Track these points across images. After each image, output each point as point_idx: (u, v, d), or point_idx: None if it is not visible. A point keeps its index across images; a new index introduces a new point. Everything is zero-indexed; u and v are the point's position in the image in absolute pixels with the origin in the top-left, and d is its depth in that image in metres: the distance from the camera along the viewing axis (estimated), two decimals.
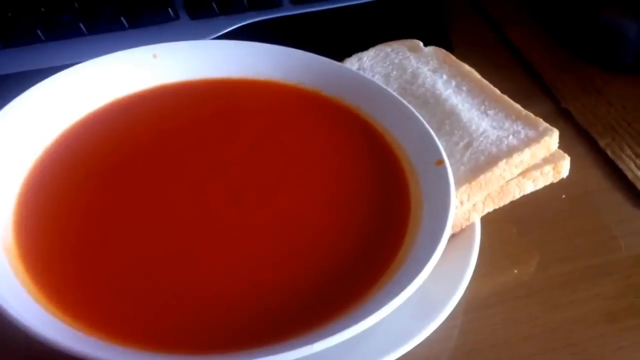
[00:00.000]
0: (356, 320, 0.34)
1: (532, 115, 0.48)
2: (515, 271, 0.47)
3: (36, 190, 0.41)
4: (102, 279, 0.38)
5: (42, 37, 0.56)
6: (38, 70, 0.51)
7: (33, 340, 0.32)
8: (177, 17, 0.59)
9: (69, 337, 0.33)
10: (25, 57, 0.55)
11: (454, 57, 0.54)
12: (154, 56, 0.49)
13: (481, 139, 0.46)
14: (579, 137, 0.57)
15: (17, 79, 0.51)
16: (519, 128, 0.47)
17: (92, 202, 0.42)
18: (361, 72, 0.52)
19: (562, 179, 0.48)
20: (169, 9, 0.59)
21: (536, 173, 0.46)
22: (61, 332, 0.33)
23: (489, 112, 0.49)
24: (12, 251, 0.37)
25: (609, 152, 0.55)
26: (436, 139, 0.44)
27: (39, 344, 0.32)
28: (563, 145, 0.48)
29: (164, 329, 0.36)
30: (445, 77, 0.52)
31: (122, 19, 0.57)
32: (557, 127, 0.47)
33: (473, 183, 0.44)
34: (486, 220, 0.46)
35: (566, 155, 0.47)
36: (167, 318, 0.36)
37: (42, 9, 0.57)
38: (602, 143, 0.56)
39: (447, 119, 0.48)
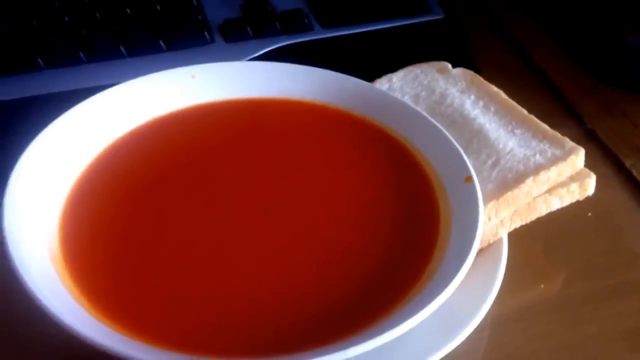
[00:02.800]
0: (384, 330, 0.35)
1: (558, 134, 0.49)
2: (541, 287, 0.48)
3: (80, 203, 0.43)
4: (141, 286, 0.39)
5: (84, 58, 0.58)
6: (80, 89, 0.52)
7: (76, 342, 0.33)
8: (212, 41, 0.61)
9: (109, 337, 0.35)
10: (67, 78, 0.57)
11: (481, 79, 0.55)
12: (193, 76, 0.51)
13: (508, 157, 0.47)
14: (605, 157, 0.58)
15: (59, 98, 0.53)
16: (546, 147, 0.48)
17: (132, 214, 0.43)
18: (391, 93, 0.53)
19: (588, 198, 0.48)
20: (205, 33, 0.61)
21: (562, 190, 0.47)
22: (102, 332, 0.35)
23: (516, 131, 0.50)
24: (58, 259, 0.39)
25: (634, 172, 0.56)
26: (465, 156, 0.45)
27: (80, 345, 0.33)
28: (589, 165, 0.49)
29: (198, 334, 0.37)
30: (473, 97, 0.53)
31: (160, 42, 0.59)
32: (583, 148, 0.48)
33: (501, 199, 0.45)
34: (513, 236, 0.47)
35: (592, 173, 0.48)
36: (201, 324, 0.37)
37: (84, 32, 0.59)
38: (627, 163, 0.57)
39: (474, 137, 0.49)
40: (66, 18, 0.60)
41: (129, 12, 0.62)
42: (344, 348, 0.34)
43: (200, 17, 0.63)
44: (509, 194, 0.45)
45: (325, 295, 0.39)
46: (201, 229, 0.43)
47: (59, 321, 0.34)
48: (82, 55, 0.58)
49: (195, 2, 0.64)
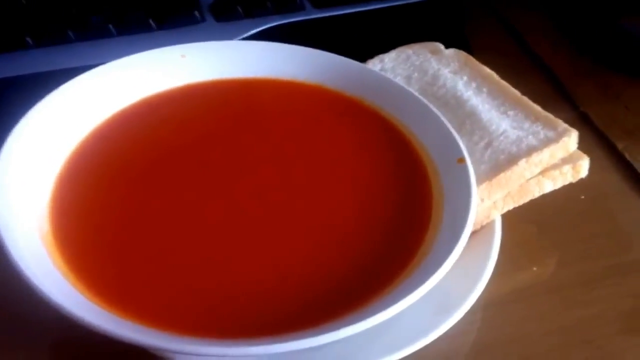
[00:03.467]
0: (378, 311, 0.35)
1: (551, 116, 0.49)
2: (534, 269, 0.48)
3: (69, 184, 0.43)
4: (132, 265, 0.39)
5: (73, 37, 0.57)
6: (69, 69, 0.52)
7: (67, 322, 0.33)
8: (203, 20, 0.60)
9: (99, 316, 0.34)
10: (56, 57, 0.56)
11: (474, 60, 0.55)
12: (182, 56, 0.50)
13: (501, 138, 0.47)
14: (598, 140, 0.58)
15: (48, 78, 0.52)
16: (539, 128, 0.48)
17: (122, 193, 0.43)
18: (383, 73, 0.53)
19: (581, 181, 0.48)
20: (195, 12, 0.60)
21: (555, 172, 0.47)
22: (92, 311, 0.35)
23: (509, 113, 0.50)
24: (48, 239, 0.39)
25: (626, 155, 0.56)
26: (457, 137, 0.45)
27: (73, 326, 0.33)
28: (582, 148, 0.49)
29: (191, 313, 0.37)
30: (465, 79, 0.53)
31: (150, 20, 0.59)
32: (576, 130, 0.48)
33: (493, 181, 0.45)
34: (506, 219, 0.47)
35: (585, 155, 0.48)
36: (193, 303, 0.37)
37: (73, 10, 0.59)
38: (620, 146, 0.57)
39: (467, 119, 0.49)
40: None
41: None
42: (336, 329, 0.34)
43: None
44: (502, 175, 0.45)
45: (318, 277, 0.39)
46: (194, 208, 0.42)
47: (49, 300, 0.33)
48: (71, 34, 0.57)
49: None
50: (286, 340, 0.33)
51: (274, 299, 0.38)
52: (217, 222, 0.42)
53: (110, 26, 0.58)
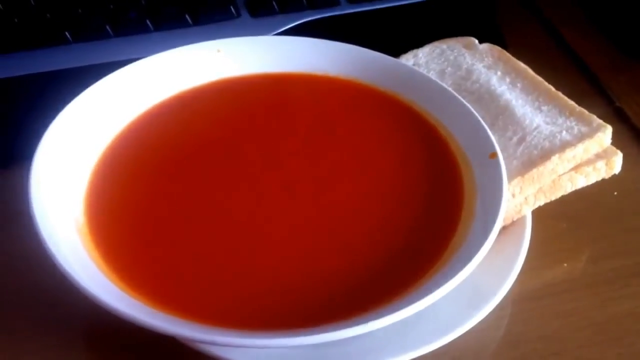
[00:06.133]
0: (408, 304, 0.35)
1: (585, 111, 0.49)
2: (565, 265, 0.47)
3: (105, 176, 0.44)
4: (166, 258, 0.40)
5: (111, 32, 0.58)
6: (106, 63, 0.53)
7: (102, 312, 0.34)
8: (238, 15, 0.61)
9: (133, 307, 0.35)
10: (94, 51, 0.57)
11: (508, 54, 0.55)
12: (218, 51, 0.51)
13: (534, 133, 0.47)
14: (632, 135, 0.57)
15: (86, 72, 0.53)
16: (573, 124, 0.48)
17: (158, 187, 0.44)
18: (416, 68, 0.53)
19: (614, 176, 0.48)
20: (231, 7, 0.61)
21: (588, 168, 0.47)
22: (126, 302, 0.35)
23: (542, 108, 0.49)
24: (84, 231, 0.40)
25: None
26: (489, 132, 0.45)
27: (108, 316, 0.34)
28: (616, 143, 0.48)
29: (222, 306, 0.37)
30: (499, 73, 0.53)
31: (187, 16, 0.60)
32: (610, 125, 0.47)
33: (525, 176, 0.45)
34: (537, 214, 0.47)
35: (619, 151, 0.48)
36: (225, 296, 0.38)
37: (111, 6, 0.60)
38: None
39: (501, 114, 0.49)
40: None
41: None
42: (366, 322, 0.34)
43: None
44: (534, 171, 0.45)
45: (349, 269, 0.40)
46: (228, 202, 0.43)
47: (84, 290, 0.34)
48: (109, 29, 0.58)
49: None
50: (316, 333, 0.34)
51: (304, 291, 0.38)
52: (249, 214, 0.42)
53: (148, 21, 0.59)
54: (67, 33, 0.57)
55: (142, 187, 0.43)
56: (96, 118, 0.45)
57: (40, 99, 0.50)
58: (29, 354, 0.41)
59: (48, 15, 0.58)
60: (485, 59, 0.54)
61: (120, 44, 0.58)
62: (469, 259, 0.37)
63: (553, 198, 0.47)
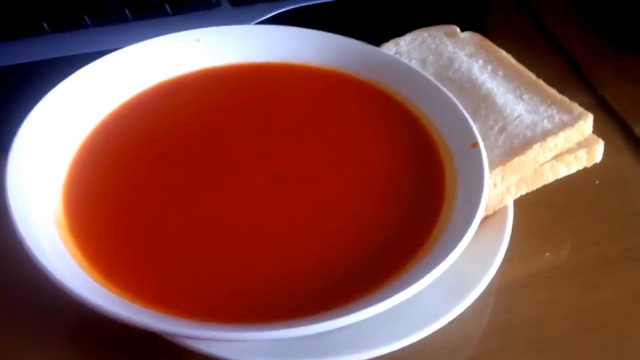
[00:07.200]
0: (391, 294, 0.35)
1: (567, 99, 0.49)
2: (548, 254, 0.47)
3: (84, 168, 0.43)
4: (146, 252, 0.39)
5: (89, 22, 0.57)
6: (84, 54, 0.52)
7: (81, 308, 0.33)
8: (218, 4, 0.60)
9: (112, 302, 0.35)
10: (72, 42, 0.56)
11: (490, 43, 0.54)
12: (197, 40, 0.50)
13: (516, 122, 0.47)
14: (614, 123, 0.57)
15: (64, 63, 0.53)
16: (554, 112, 0.48)
17: (137, 178, 0.43)
18: (398, 57, 0.53)
19: (596, 165, 0.48)
20: None
21: (570, 157, 0.47)
22: (106, 298, 0.35)
23: (524, 96, 0.49)
24: (62, 224, 0.39)
25: None
26: (471, 121, 0.45)
27: (88, 313, 0.33)
28: (598, 131, 0.48)
29: (208, 300, 0.37)
30: (481, 62, 0.53)
31: (166, 5, 0.59)
32: (592, 114, 0.47)
33: (507, 165, 0.45)
34: (519, 203, 0.47)
35: (600, 140, 0.48)
36: (208, 289, 0.38)
37: None
38: (636, 130, 0.56)
39: (482, 103, 0.49)
40: None
41: None
42: (350, 313, 0.34)
43: None
44: (516, 160, 0.45)
45: (331, 261, 0.39)
46: (209, 193, 0.43)
47: (63, 287, 0.34)
48: (87, 19, 0.57)
49: None
50: (299, 325, 0.34)
51: (288, 283, 0.38)
52: (233, 206, 0.42)
53: (126, 11, 0.58)
54: (44, 23, 0.56)
55: (121, 179, 0.43)
56: (74, 109, 0.45)
57: (17, 91, 0.50)
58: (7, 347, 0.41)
59: (25, 6, 0.57)
60: (467, 48, 0.54)
61: (98, 34, 0.57)
62: (451, 248, 0.37)
63: (535, 187, 0.47)
